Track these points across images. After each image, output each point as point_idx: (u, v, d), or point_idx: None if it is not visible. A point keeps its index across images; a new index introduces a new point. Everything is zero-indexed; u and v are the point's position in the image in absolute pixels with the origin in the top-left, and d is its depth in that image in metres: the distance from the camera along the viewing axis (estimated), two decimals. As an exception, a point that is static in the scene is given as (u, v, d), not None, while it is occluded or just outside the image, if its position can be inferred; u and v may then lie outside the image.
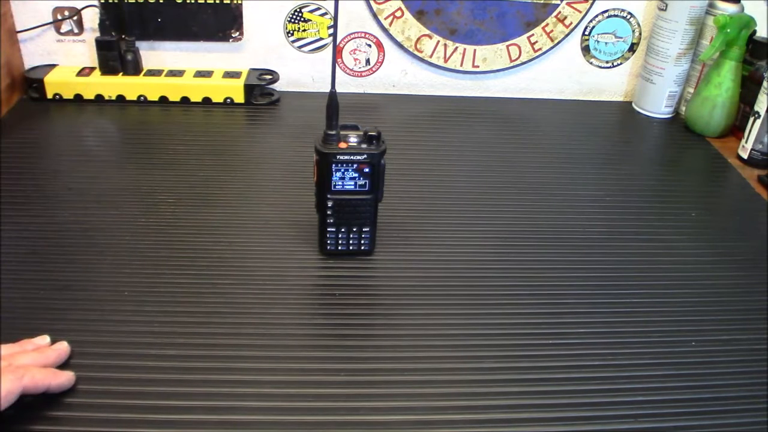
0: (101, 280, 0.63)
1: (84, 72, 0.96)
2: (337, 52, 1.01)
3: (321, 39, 1.01)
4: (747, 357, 0.59)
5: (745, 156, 0.91)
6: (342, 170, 0.63)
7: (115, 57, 0.95)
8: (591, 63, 1.07)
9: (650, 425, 0.52)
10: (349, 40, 1.01)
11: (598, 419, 0.52)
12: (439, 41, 1.02)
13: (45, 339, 0.55)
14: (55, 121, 0.92)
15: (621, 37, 1.05)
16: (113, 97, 0.96)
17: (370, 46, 1.02)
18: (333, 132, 0.62)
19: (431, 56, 1.03)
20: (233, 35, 0.99)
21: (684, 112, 1.02)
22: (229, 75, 0.98)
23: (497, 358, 0.57)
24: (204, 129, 0.92)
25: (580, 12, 1.01)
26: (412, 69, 1.05)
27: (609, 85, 1.09)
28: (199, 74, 0.98)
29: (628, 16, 1.03)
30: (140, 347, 0.56)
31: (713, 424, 0.52)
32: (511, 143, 0.94)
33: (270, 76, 1.00)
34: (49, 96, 0.95)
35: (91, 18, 0.96)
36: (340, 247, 0.67)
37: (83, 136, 0.89)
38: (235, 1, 0.96)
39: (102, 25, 0.94)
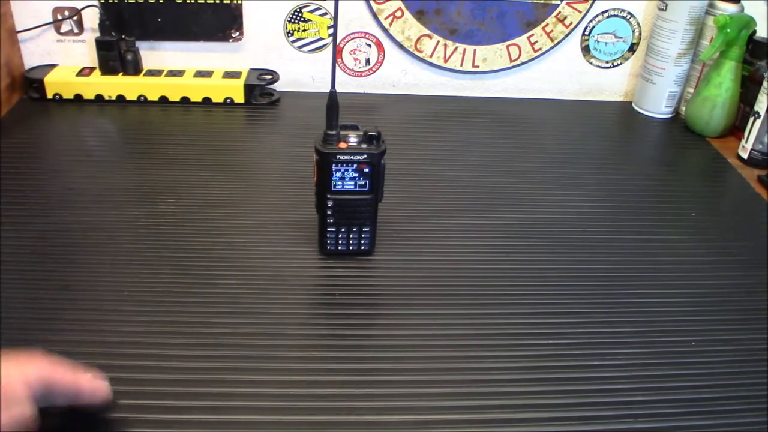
0: (101, 280, 0.63)
1: (84, 72, 0.96)
2: (337, 52, 1.01)
3: (321, 39, 1.01)
4: (747, 357, 0.59)
5: (745, 156, 0.91)
6: (342, 170, 0.63)
7: (115, 57, 0.95)
8: (591, 63, 1.07)
9: (650, 425, 0.52)
10: (349, 40, 1.01)
11: (598, 419, 0.52)
12: (439, 41, 1.02)
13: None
14: (55, 121, 0.92)
15: (621, 37, 1.05)
16: (113, 97, 0.96)
17: (370, 46, 1.02)
18: (333, 132, 0.62)
19: (431, 56, 1.03)
20: (233, 35, 0.99)
21: (684, 112, 1.02)
22: (229, 75, 0.98)
23: (497, 358, 0.57)
24: (204, 129, 0.92)
25: (580, 12, 1.01)
26: (412, 69, 1.05)
27: (609, 85, 1.09)
28: (199, 74, 0.98)
29: (628, 16, 1.03)
30: (140, 347, 0.56)
31: (713, 424, 0.52)
32: (511, 143, 0.93)
33: (270, 76, 1.00)
34: (49, 96, 0.95)
35: (91, 18, 0.96)
36: (340, 247, 0.67)
37: (83, 136, 0.89)
38: (235, 1, 0.96)
39: (102, 25, 0.94)
